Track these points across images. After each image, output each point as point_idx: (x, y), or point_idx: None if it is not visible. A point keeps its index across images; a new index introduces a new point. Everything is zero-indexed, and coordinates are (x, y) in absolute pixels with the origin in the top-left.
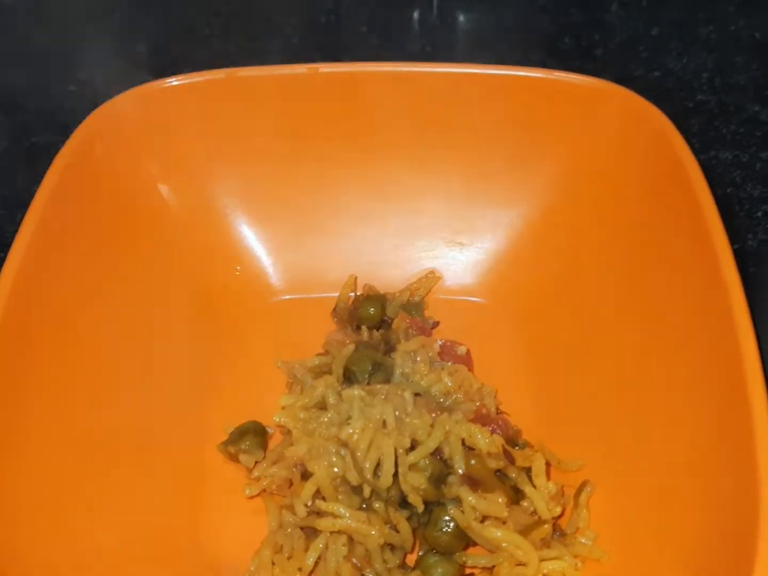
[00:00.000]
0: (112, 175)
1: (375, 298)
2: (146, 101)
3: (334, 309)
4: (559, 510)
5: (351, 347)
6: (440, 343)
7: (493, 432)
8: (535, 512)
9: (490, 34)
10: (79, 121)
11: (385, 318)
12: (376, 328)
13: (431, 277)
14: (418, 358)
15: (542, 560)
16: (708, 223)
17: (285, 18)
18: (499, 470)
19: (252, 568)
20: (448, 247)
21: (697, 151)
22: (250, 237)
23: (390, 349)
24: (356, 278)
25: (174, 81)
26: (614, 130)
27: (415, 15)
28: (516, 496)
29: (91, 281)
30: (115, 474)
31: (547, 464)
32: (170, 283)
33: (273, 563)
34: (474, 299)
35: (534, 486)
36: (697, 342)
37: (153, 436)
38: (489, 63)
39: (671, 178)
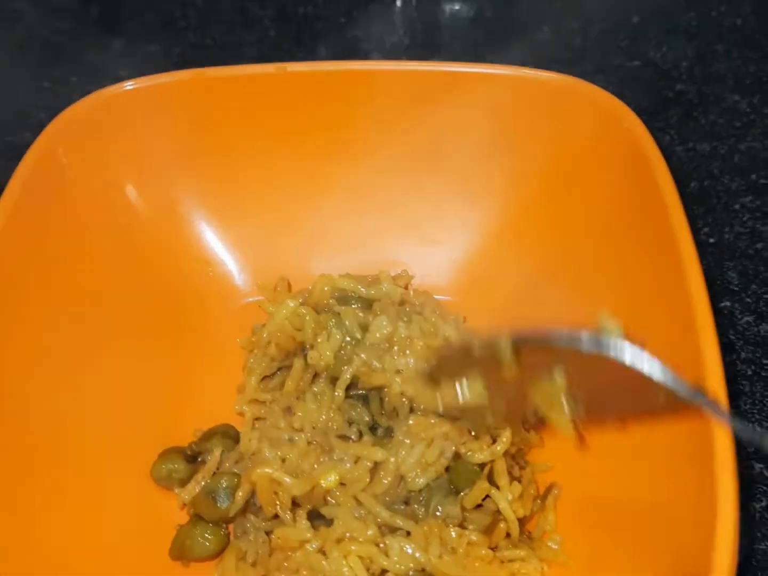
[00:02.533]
0: (77, 181)
1: None
2: (108, 105)
3: None
4: (522, 512)
5: None
6: None
7: None
8: (498, 512)
9: (468, 24)
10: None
11: None
12: None
13: (403, 276)
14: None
15: (509, 560)
16: (672, 222)
17: (262, 10)
18: None
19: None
20: (421, 245)
21: (675, 143)
22: (220, 238)
23: None
24: None
25: (132, 84)
26: (585, 129)
27: (397, 5)
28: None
29: (57, 285)
30: (63, 479)
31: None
32: (138, 287)
33: (237, 570)
34: (445, 298)
35: (497, 487)
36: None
37: (114, 438)
38: (466, 53)
39: (640, 179)
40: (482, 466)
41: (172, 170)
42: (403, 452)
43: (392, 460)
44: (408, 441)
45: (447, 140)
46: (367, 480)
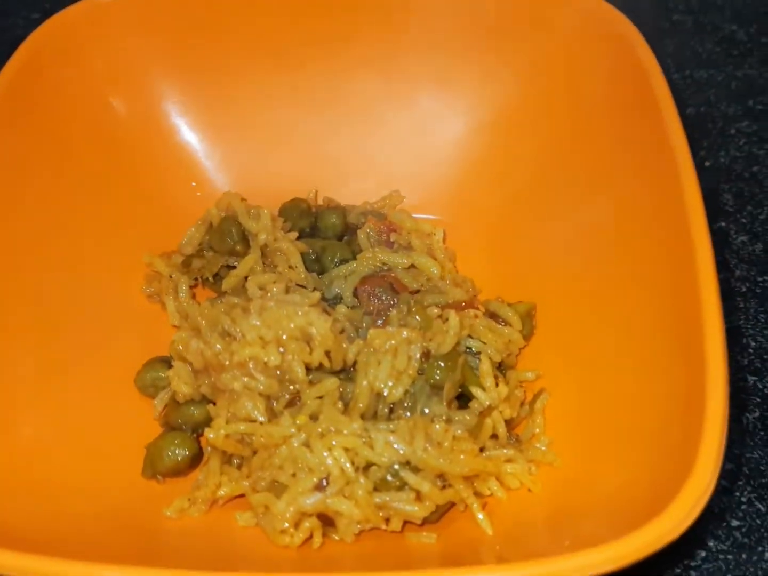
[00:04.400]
0: (61, 88)
1: (335, 208)
2: (95, 13)
3: None
4: (508, 412)
5: None
6: None
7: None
8: (483, 413)
9: None
10: None
11: (349, 225)
12: (338, 238)
13: (394, 196)
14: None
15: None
16: (668, 129)
17: None
18: None
19: (201, 477)
20: (410, 162)
21: (671, 71)
22: (206, 152)
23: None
24: (316, 192)
25: None
26: (576, 33)
27: None
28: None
29: (38, 197)
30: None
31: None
32: (121, 200)
33: (222, 473)
34: (435, 217)
35: (483, 388)
36: (654, 248)
37: (100, 347)
38: None
39: (633, 82)
40: (455, 358)
41: (157, 81)
42: (372, 370)
43: (364, 383)
44: (371, 359)
45: (438, 50)
46: (340, 405)
